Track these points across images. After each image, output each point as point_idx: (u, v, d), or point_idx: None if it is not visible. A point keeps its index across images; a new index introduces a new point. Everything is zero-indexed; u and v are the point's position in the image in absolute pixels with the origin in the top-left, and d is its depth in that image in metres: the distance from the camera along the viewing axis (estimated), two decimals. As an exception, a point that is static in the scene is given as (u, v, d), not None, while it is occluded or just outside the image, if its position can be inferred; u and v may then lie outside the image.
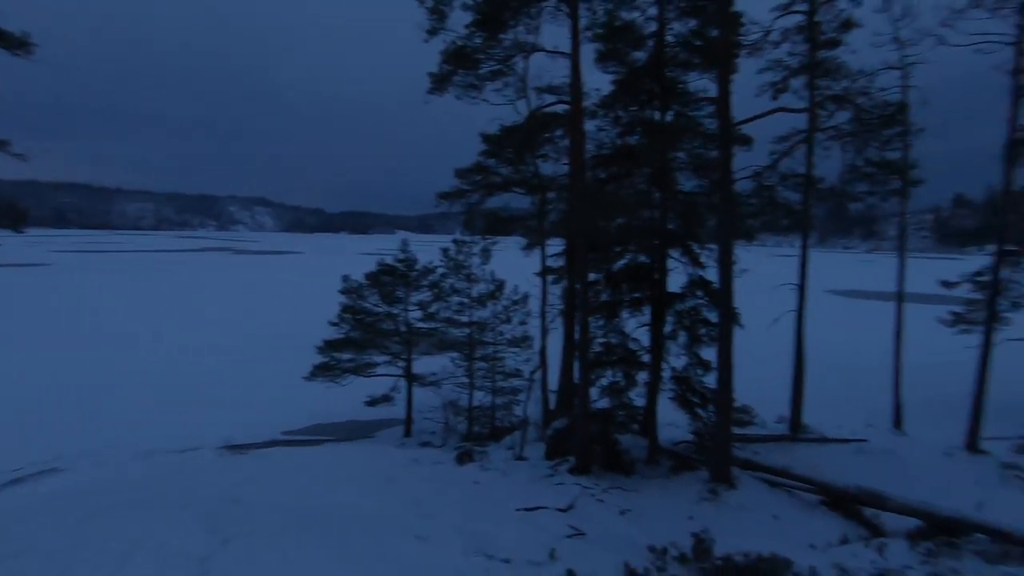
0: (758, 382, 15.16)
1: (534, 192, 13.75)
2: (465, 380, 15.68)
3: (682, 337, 11.20)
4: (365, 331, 15.46)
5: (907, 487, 9.22)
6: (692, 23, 11.25)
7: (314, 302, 24.59)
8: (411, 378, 15.83)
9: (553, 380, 14.34)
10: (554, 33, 12.11)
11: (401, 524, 7.10)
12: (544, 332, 14.16)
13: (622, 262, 12.05)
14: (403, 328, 15.83)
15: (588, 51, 12.32)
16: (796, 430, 13.69)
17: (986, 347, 12.29)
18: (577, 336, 11.31)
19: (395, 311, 15.81)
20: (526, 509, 7.95)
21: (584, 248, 10.78)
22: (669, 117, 11.45)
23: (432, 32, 10.82)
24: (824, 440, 12.97)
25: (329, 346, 15.21)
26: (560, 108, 12.74)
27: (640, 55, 11.98)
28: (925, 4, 12.36)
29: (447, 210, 13.11)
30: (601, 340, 11.88)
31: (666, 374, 11.96)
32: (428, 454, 12.27)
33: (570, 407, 12.46)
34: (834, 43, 12.16)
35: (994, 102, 12.53)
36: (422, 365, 16.42)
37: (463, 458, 11.36)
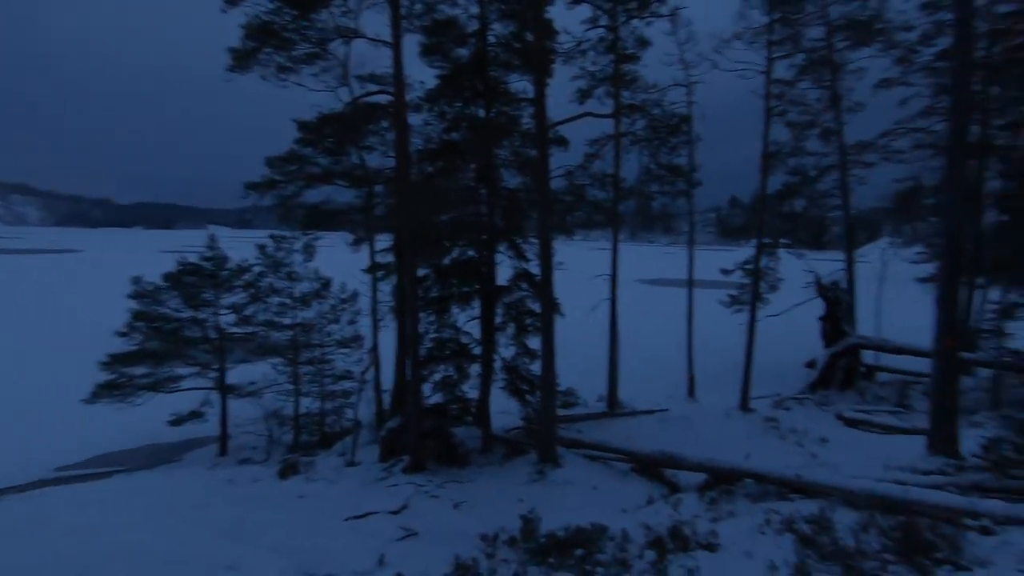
0: (581, 365, 16.48)
1: (359, 185, 13.17)
2: (290, 387, 14.51)
3: (510, 328, 11.67)
4: (164, 340, 13.44)
5: (698, 446, 10.76)
6: (512, 26, 11.72)
7: (95, 310, 20.72)
8: (225, 389, 14.17)
9: (387, 379, 13.96)
10: (376, 21, 11.70)
11: (209, 556, 6.28)
12: (375, 330, 13.69)
13: (452, 257, 12.14)
14: (213, 334, 14.09)
15: (412, 43, 12.13)
16: (613, 407, 15.14)
17: (751, 323, 14.86)
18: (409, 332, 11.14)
19: (202, 316, 14.00)
20: (356, 517, 7.60)
21: (413, 243, 10.61)
22: (493, 115, 11.79)
23: (231, 2, 9.68)
24: (635, 413, 14.54)
25: (116, 360, 12.93)
26: (384, 99, 12.36)
27: (464, 52, 12.14)
28: (703, 32, 14.49)
29: (256, 203, 11.92)
30: (433, 335, 11.85)
31: (497, 365, 12.37)
32: (247, 472, 11.11)
33: (405, 405, 12.24)
34: (633, 58, 13.62)
35: (756, 121, 15.19)
36: (238, 374, 14.79)
37: (286, 471, 10.50)
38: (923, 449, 8.46)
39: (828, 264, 19.30)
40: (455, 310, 11.97)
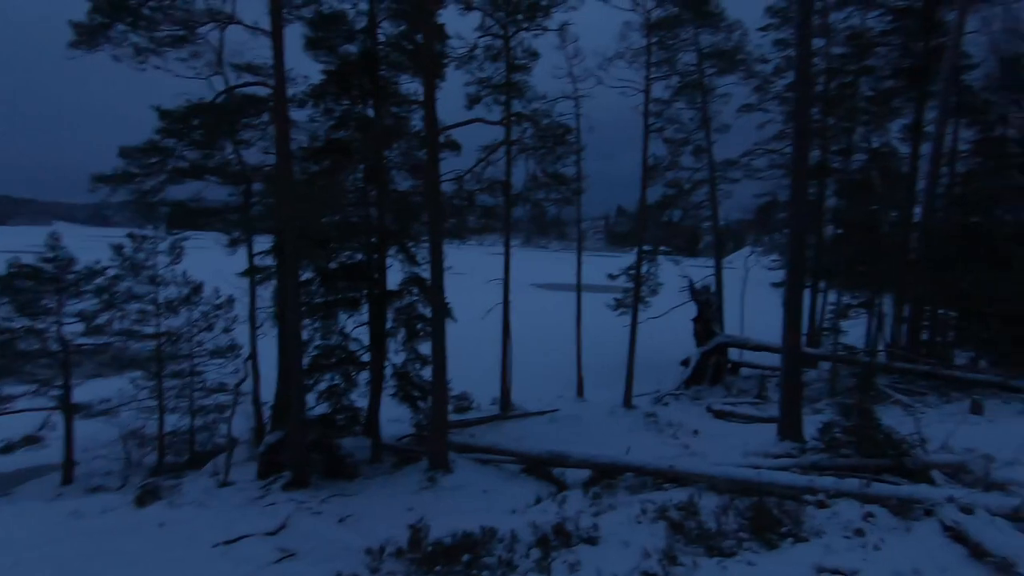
0: (476, 369, 16.56)
1: (235, 182, 12.20)
2: (153, 403, 13.06)
3: (401, 333, 11.43)
4: (-10, 355, 11.53)
5: (585, 444, 11.22)
6: (402, 26, 11.54)
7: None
8: (71, 409, 12.42)
9: (267, 391, 13.03)
10: (255, 7, 10.92)
11: (41, 603, 5.45)
12: (253, 338, 12.74)
13: (339, 260, 11.66)
14: (56, 346, 12.31)
15: (296, 35, 11.53)
16: (506, 409, 15.37)
17: (633, 325, 15.81)
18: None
19: (41, 326, 12.19)
20: (226, 542, 6.99)
21: (296, 245, 10.02)
22: (383, 115, 11.52)
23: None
24: (527, 414, 14.86)
25: (-77, 380, 10.86)
26: (264, 91, 11.59)
27: (353, 49, 11.75)
28: (589, 48, 15.24)
29: (107, 198, 10.61)
30: (319, 343, 11.30)
31: (388, 371, 12.06)
32: (96, 502, 9.80)
33: (287, 418, 11.51)
34: (523, 68, 13.99)
35: (638, 135, 16.23)
36: (88, 391, 13.04)
37: (145, 498, 9.42)
38: (775, 435, 9.49)
39: (701, 270, 21.10)
40: (343, 315, 11.50)
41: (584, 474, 9.41)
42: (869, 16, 19.05)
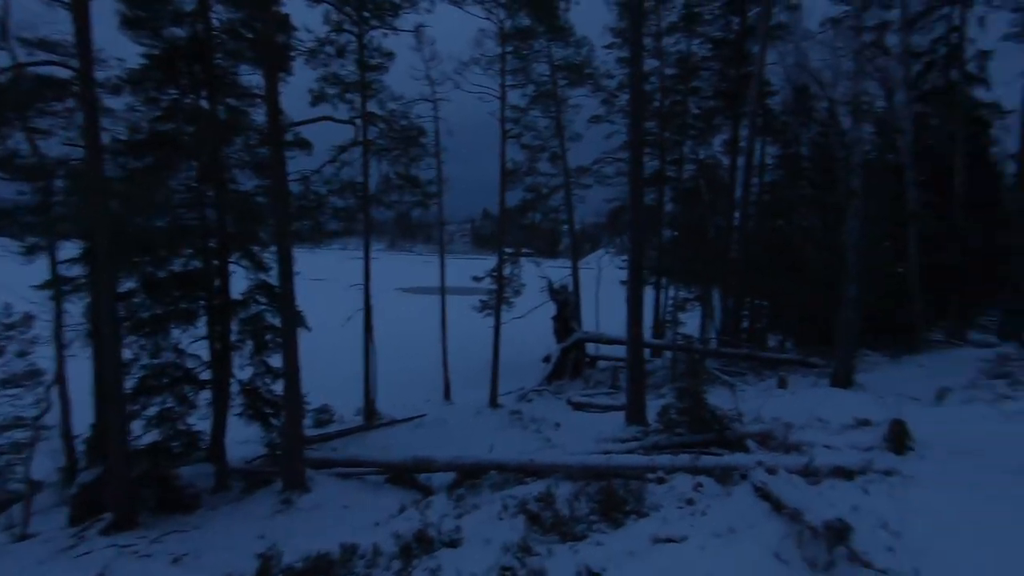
0: (338, 380, 15.79)
1: (30, 178, 10.29)
2: (-82, 448, 10.54)
3: (248, 346, 10.50)
4: None
5: (452, 446, 11.21)
6: (240, 12, 10.61)
7: None
8: None
9: (81, 422, 11.18)
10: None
11: None
12: (60, 362, 10.85)
13: (171, 267, 10.38)
14: None
15: (107, 11, 10.05)
16: (370, 419, 14.84)
17: (497, 326, 16.18)
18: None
19: None
20: (22, 606, 5.86)
21: (112, 252, 8.71)
22: (219, 108, 10.49)
23: None
24: (393, 422, 14.49)
25: None
26: (67, 73, 9.93)
27: (181, 33, 10.55)
28: (447, 52, 15.33)
29: None
30: (147, 362, 9.96)
31: (235, 388, 11.01)
32: None
33: (106, 451, 9.97)
34: (379, 68, 13.63)
35: (497, 140, 16.64)
36: None
37: (-94, 568, 7.56)
38: (623, 421, 10.30)
39: (560, 270, 22.23)
40: (177, 330, 10.25)
41: (450, 477, 9.41)
42: (694, 43, 21.57)
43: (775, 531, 4.59)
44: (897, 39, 16.39)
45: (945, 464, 5.56)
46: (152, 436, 9.84)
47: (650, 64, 20.67)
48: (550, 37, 18.56)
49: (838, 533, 3.82)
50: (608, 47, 21.32)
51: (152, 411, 9.82)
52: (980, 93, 17.61)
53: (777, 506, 5.03)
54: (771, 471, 5.77)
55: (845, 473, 5.64)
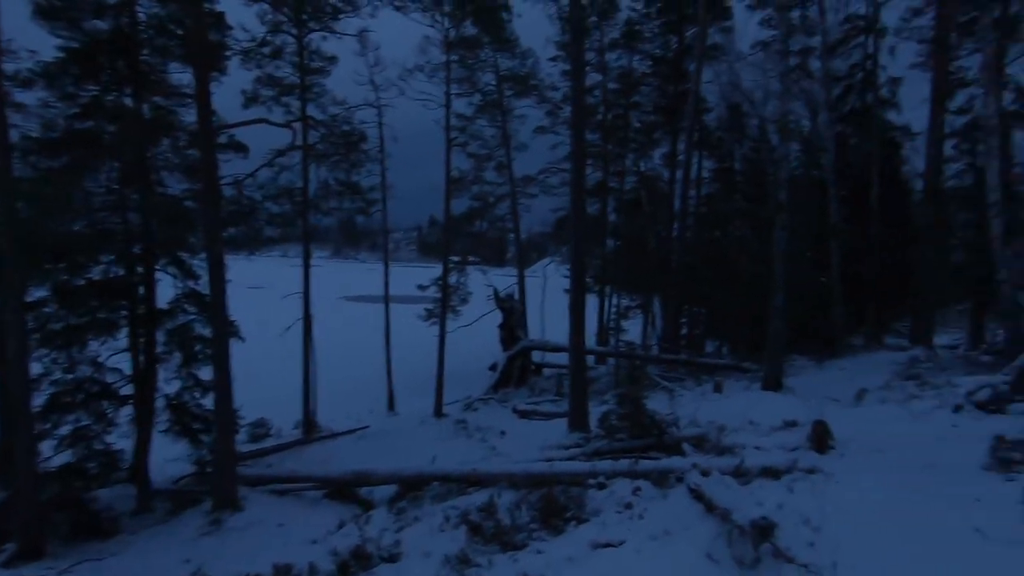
0: (278, 392, 15.18)
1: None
2: None
3: (176, 358, 9.92)
4: None
5: (395, 458, 10.97)
6: (168, 8, 10.12)
7: None
8: None
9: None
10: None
11: None
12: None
13: (90, 275, 9.70)
14: None
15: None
16: (310, 432, 14.33)
17: (442, 334, 16.04)
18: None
19: None
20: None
21: (19, 258, 8.05)
22: (145, 107, 9.93)
23: None
24: (334, 435, 14.04)
25: None
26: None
27: (103, 26, 9.95)
28: (391, 58, 15.17)
29: None
30: (60, 376, 9.24)
31: (161, 404, 10.37)
32: None
33: (11, 474, 9.15)
34: (320, 71, 13.32)
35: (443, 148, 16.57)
36: None
37: None
38: (567, 428, 10.41)
39: (507, 279, 22.32)
40: (96, 342, 9.57)
41: (392, 490, 9.19)
42: (635, 59, 22.32)
43: (708, 531, 4.73)
44: (819, 64, 17.56)
45: (862, 461, 5.93)
46: (66, 456, 9.13)
47: (593, 78, 21.23)
48: (496, 48, 18.73)
49: (763, 531, 3.98)
50: (553, 60, 21.75)
51: (66, 430, 9.11)
52: (893, 116, 19.16)
53: (710, 507, 5.19)
54: (705, 473, 5.96)
55: (773, 473, 5.90)
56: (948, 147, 15.96)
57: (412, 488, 8.60)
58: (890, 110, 19.06)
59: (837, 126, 18.26)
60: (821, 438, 6.44)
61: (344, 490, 9.39)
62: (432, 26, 16.16)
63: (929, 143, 14.39)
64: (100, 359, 9.50)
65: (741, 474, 5.95)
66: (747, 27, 21.86)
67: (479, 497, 7.19)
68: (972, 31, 14.28)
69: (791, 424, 8.10)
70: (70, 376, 9.18)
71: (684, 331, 21.30)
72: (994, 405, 7.33)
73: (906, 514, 4.67)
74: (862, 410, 9.02)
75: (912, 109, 17.82)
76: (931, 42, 15.37)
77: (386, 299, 17.16)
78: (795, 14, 18.65)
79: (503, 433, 13.36)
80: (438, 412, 15.53)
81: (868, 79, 18.61)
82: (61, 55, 9.47)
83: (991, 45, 11.45)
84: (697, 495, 5.59)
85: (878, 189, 17.38)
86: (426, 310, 20.83)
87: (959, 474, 5.42)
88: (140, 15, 9.90)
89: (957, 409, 7.76)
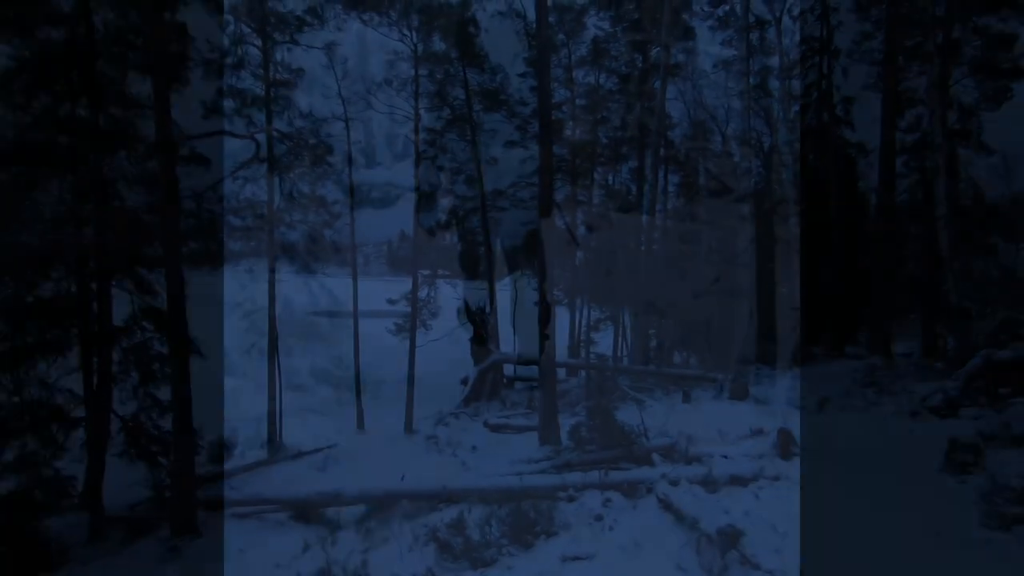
0: (242, 411, 14.69)
1: None
2: None
3: (132, 378, 9.53)
4: None
5: (364, 476, 10.70)
6: (127, 19, 9.89)
7: None
8: None
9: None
10: None
11: None
12: None
13: (38, 292, 9.26)
14: None
15: (-35, 4, 9.03)
16: (275, 452, 13.90)
17: (412, 348, 15.86)
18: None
19: None
20: None
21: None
22: (102, 118, 9.63)
23: None
24: (300, 454, 13.64)
25: None
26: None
27: (58, 34, 9.65)
28: (357, 72, 15.11)
29: None
30: (2, 400, 8.76)
31: (116, 426, 9.92)
32: None
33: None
34: (287, 83, 13.17)
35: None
36: None
37: None
38: (538, 441, 10.36)
39: (478, 292, 22.23)
40: (43, 363, 9.11)
41: (360, 510, 8.97)
42: (602, 76, 22.78)
43: (677, 541, 4.75)
44: (778, 83, 18.24)
45: (824, 467, 6.06)
46: (9, 484, 8.62)
47: (562, 94, 21.53)
48: (466, 63, 18.85)
49: (730, 538, 4.01)
50: (521, 76, 21.98)
51: (10, 456, 8.61)
52: (848, 134, 19.99)
53: (679, 516, 5.23)
54: (674, 483, 6.01)
55: (740, 480, 5.98)
56: (899, 163, 16.72)
57: (381, 507, 8.42)
58: (845, 128, 19.89)
59: (796, 143, 18.94)
60: (785, 445, 6.56)
61: (308, 511, 9.11)
62: (400, 40, 16.19)
63: (881, 159, 15.03)
64: (49, 380, 9.04)
65: (709, 483, 6.01)
66: (709, 47, 22.53)
67: (449, 513, 7.08)
68: (918, 54, 15.08)
69: (758, 432, 8.23)
70: (15, 399, 8.71)
71: (654, 342, 21.55)
72: (947, 410, 7.62)
73: (868, 518, 4.78)
74: (824, 417, 9.26)
75: (865, 127, 18.65)
76: (881, 64, 16.16)
77: (355, 314, 16.89)
78: (754, 36, 19.50)
79: (474, 448, 13.20)
80: (408, 428, 15.28)
81: (824, 98, 19.40)
82: (11, 64, 9.14)
83: (936, 67, 12.09)
84: (666, 505, 5.62)
85: (836, 203, 18.04)
86: (395, 324, 20.58)
87: (917, 477, 5.59)
88: (98, 25, 9.63)
89: (914, 415, 8.05)
